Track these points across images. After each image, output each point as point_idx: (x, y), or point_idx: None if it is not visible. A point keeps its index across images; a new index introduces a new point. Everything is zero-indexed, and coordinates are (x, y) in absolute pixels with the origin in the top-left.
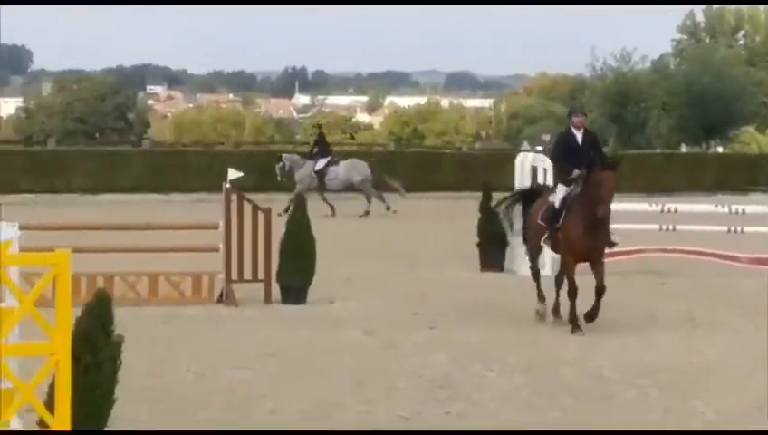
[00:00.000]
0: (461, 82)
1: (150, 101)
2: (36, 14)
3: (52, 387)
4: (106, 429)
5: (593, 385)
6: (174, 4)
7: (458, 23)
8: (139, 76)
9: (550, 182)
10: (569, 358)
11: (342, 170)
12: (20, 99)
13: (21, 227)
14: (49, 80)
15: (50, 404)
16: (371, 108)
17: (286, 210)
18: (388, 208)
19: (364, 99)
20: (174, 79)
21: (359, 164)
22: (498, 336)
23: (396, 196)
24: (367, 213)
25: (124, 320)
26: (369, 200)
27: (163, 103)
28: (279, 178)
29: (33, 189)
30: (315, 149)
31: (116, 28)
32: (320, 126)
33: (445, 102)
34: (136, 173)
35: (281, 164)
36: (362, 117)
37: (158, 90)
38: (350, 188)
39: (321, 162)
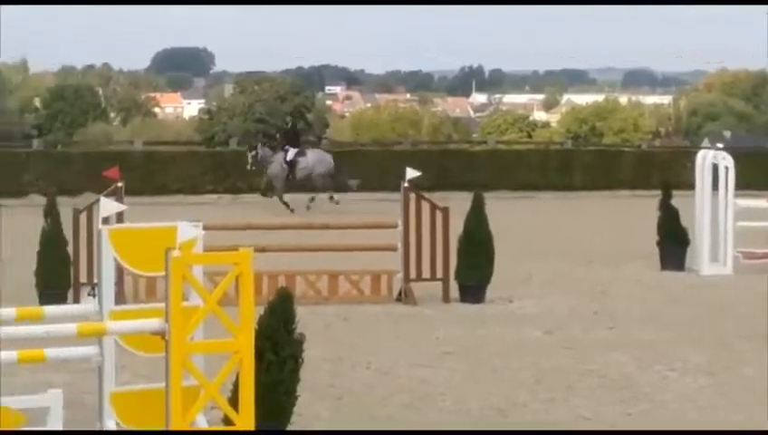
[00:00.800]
0: (639, 79)
1: (329, 102)
2: (217, 17)
3: (235, 384)
4: (288, 428)
5: None
6: (351, 4)
7: (635, 19)
8: (317, 77)
9: (731, 180)
10: (752, 358)
11: (310, 161)
12: (202, 100)
13: (204, 227)
14: (230, 81)
15: (234, 401)
16: (548, 106)
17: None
18: (312, 200)
19: (541, 97)
20: (352, 79)
21: (325, 156)
22: (680, 336)
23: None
24: (312, 199)
25: (305, 318)
26: (318, 192)
27: (341, 103)
28: (249, 168)
29: (215, 190)
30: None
31: (295, 30)
32: (292, 116)
33: (623, 99)
34: None
35: (254, 153)
36: (539, 115)
37: (337, 90)
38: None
39: (291, 153)
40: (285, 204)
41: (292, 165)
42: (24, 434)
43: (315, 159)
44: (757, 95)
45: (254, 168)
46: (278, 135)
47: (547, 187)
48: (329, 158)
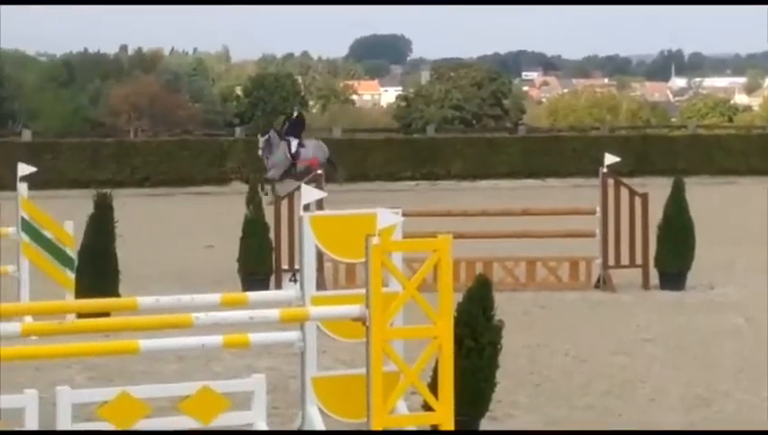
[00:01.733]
0: None
1: (525, 88)
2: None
3: (435, 370)
4: (487, 416)
5: None
6: None
7: None
8: (514, 63)
9: None
10: None
11: (310, 151)
12: (399, 88)
13: (403, 214)
14: (427, 68)
15: (433, 387)
16: (750, 89)
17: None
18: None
19: (742, 80)
20: (549, 64)
21: (323, 145)
22: None
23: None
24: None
25: (503, 304)
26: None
27: (538, 89)
28: (261, 154)
29: (413, 177)
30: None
31: (491, 16)
32: (299, 108)
33: None
34: (512, 159)
35: (266, 137)
36: (740, 98)
37: (534, 76)
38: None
39: (294, 144)
40: (275, 195)
41: (294, 157)
42: (20, 434)
43: (315, 149)
44: None
45: (263, 153)
46: (284, 123)
47: (748, 171)
48: (325, 146)
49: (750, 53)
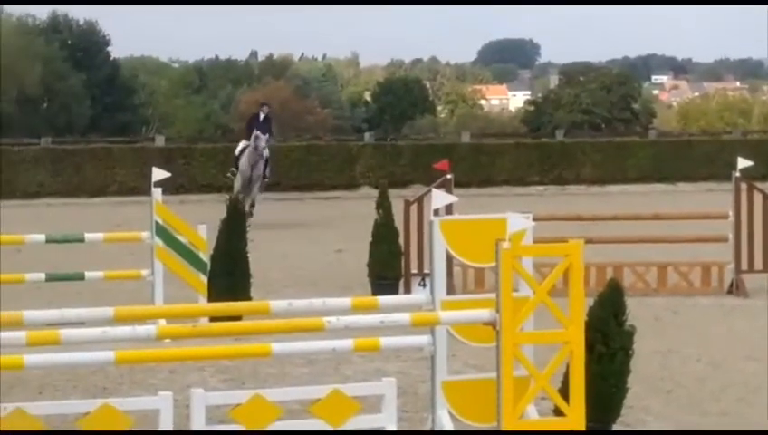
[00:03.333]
0: None
1: (655, 91)
2: (541, 7)
3: (565, 376)
4: (618, 421)
5: None
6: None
7: None
8: (644, 66)
9: None
10: None
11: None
12: (528, 92)
13: (533, 218)
14: (555, 72)
15: (564, 392)
16: None
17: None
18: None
19: None
20: (679, 68)
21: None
22: None
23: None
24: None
25: (634, 310)
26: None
27: (668, 93)
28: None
29: (542, 181)
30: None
31: (620, 18)
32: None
33: None
34: (642, 163)
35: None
36: None
37: (664, 79)
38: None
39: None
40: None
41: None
42: None
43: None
44: None
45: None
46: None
47: None
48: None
49: None
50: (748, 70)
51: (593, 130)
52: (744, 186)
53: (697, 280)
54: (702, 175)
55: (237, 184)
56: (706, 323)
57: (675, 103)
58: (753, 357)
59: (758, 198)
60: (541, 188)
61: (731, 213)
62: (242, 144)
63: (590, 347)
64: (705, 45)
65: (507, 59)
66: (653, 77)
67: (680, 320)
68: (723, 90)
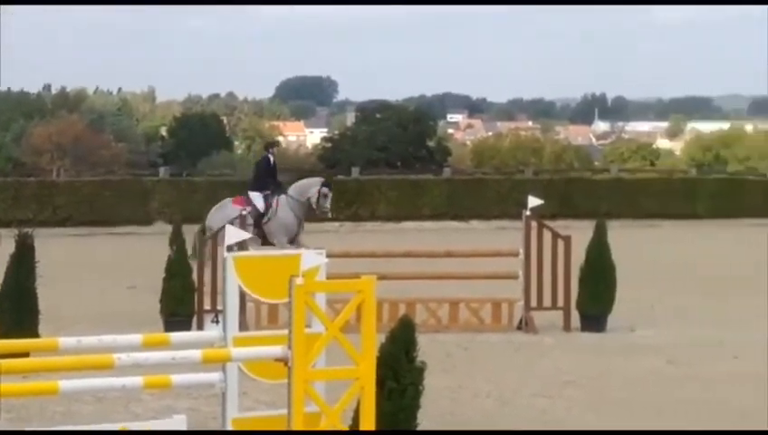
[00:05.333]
0: (766, 107)
1: (450, 130)
2: (340, 46)
3: (356, 411)
4: None
5: None
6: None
7: (761, 44)
8: (439, 105)
9: None
10: None
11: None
12: (325, 129)
13: (327, 255)
14: (353, 110)
15: (355, 428)
16: (672, 134)
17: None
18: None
19: (664, 125)
20: (474, 107)
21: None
22: None
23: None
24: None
25: (426, 346)
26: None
27: (463, 131)
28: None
29: (337, 218)
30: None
31: (417, 57)
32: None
33: (749, 127)
34: (436, 201)
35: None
36: (663, 143)
37: (459, 118)
38: None
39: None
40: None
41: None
42: (26, 434)
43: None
44: None
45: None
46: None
47: (671, 215)
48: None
49: (672, 97)
50: (540, 110)
51: (389, 168)
52: (534, 224)
53: (488, 316)
54: (494, 213)
55: (281, 234)
56: (496, 360)
57: (469, 142)
58: (540, 394)
59: (547, 236)
60: (336, 224)
61: (521, 251)
62: (259, 197)
63: (380, 383)
64: (500, 85)
65: (305, 96)
66: (448, 115)
67: (471, 356)
68: (516, 129)
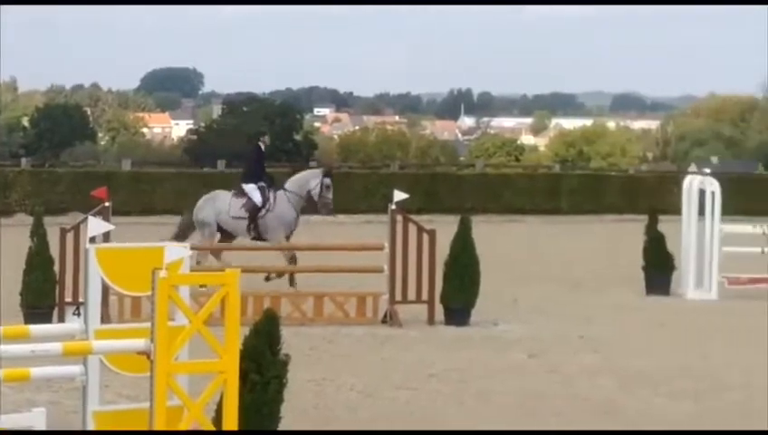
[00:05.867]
0: (627, 104)
1: (317, 124)
2: (207, 37)
3: (219, 405)
4: None
5: (760, 410)
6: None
7: (624, 43)
8: (306, 98)
9: (717, 206)
10: (735, 382)
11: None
12: (191, 121)
13: (191, 248)
14: (219, 102)
15: (217, 422)
16: (536, 130)
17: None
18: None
19: (529, 120)
20: (341, 101)
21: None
22: (665, 361)
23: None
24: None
25: (290, 339)
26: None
27: (330, 125)
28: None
29: None
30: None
31: (285, 51)
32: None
33: (611, 124)
34: None
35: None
36: (527, 139)
37: (326, 112)
38: None
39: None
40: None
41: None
42: (22, 434)
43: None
44: (745, 121)
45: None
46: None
47: (534, 210)
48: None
49: (537, 94)
50: (407, 104)
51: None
52: (399, 218)
53: (353, 310)
54: (360, 207)
55: (279, 230)
56: (361, 353)
57: (336, 136)
58: (404, 386)
59: (413, 230)
60: None
61: (386, 245)
62: (255, 190)
63: (244, 376)
64: (367, 80)
65: (170, 87)
66: (315, 109)
67: (335, 349)
68: (382, 123)
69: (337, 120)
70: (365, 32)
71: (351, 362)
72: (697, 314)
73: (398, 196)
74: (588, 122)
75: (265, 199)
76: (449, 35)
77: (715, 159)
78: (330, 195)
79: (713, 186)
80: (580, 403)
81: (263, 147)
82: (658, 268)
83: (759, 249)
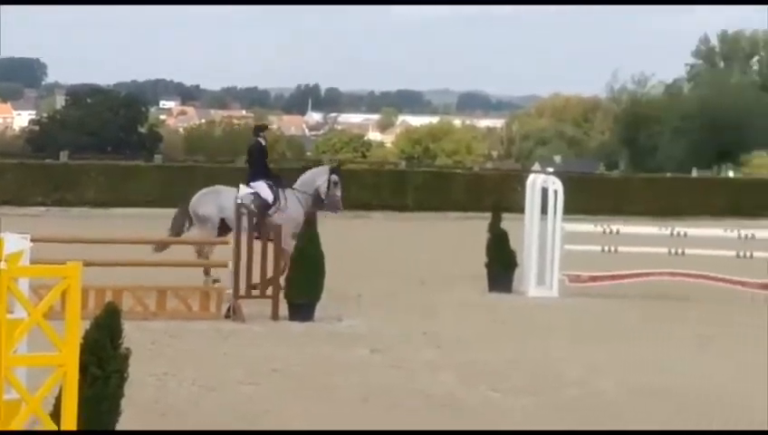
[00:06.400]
0: (473, 102)
1: (163, 116)
2: (51, 27)
3: (58, 399)
4: None
5: (598, 406)
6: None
7: (472, 42)
8: (152, 91)
9: (560, 204)
10: (574, 378)
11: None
12: (33, 112)
13: (31, 240)
14: (62, 93)
15: (56, 416)
16: (383, 126)
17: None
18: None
19: (376, 117)
20: (187, 94)
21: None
22: (505, 356)
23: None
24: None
25: (132, 334)
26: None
27: (176, 118)
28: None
29: (44, 202)
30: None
31: (131, 43)
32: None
33: (457, 122)
34: (147, 188)
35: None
36: (374, 135)
37: (171, 105)
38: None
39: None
40: None
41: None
42: (24, 434)
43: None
44: (588, 121)
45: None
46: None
47: (380, 207)
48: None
49: (384, 90)
50: (254, 99)
51: (99, 153)
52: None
53: (196, 305)
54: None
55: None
56: (204, 348)
57: (182, 129)
58: (246, 381)
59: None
60: (43, 208)
61: (232, 239)
62: (265, 187)
63: (84, 370)
64: (214, 73)
65: (12, 77)
66: (161, 102)
67: (178, 344)
68: (229, 117)
69: (183, 112)
70: (213, 24)
71: (194, 356)
72: (538, 311)
73: (245, 191)
74: (434, 120)
75: (276, 198)
76: (300, 32)
77: (558, 159)
78: (338, 192)
79: (555, 185)
80: (421, 398)
81: (263, 142)
82: (501, 266)
83: (600, 248)
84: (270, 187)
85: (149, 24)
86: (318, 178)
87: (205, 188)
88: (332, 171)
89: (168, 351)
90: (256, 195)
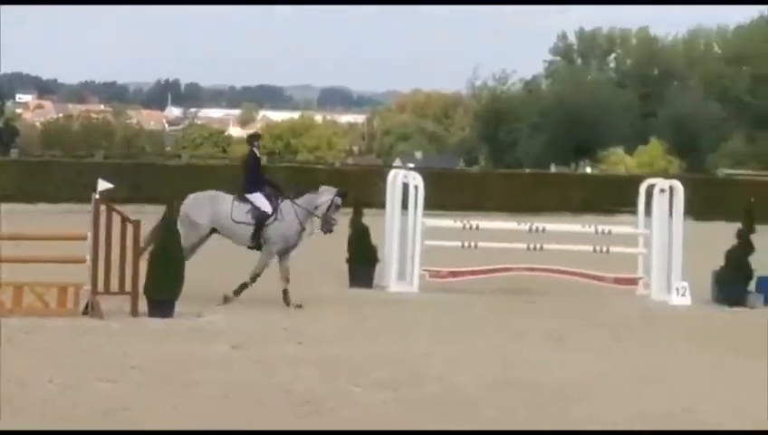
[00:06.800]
0: (335, 98)
1: (19, 110)
2: None
3: None
4: None
5: (458, 401)
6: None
7: (333, 38)
8: (8, 85)
9: (420, 200)
10: (434, 374)
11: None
12: None
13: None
14: None
15: None
16: (244, 121)
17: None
18: None
19: (237, 112)
20: (44, 88)
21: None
22: (366, 352)
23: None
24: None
25: None
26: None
27: (32, 112)
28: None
29: None
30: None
31: None
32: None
33: (318, 118)
34: (4, 182)
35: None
36: (235, 130)
37: (28, 99)
38: None
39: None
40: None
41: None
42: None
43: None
44: (448, 117)
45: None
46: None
47: None
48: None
49: (245, 85)
50: (113, 93)
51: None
52: (103, 208)
53: (53, 301)
54: (62, 196)
55: (279, 242)
56: (61, 345)
57: (39, 123)
58: (104, 378)
59: (117, 219)
60: None
61: (89, 235)
62: (263, 198)
63: None
64: (72, 67)
65: None
66: (17, 96)
67: (34, 341)
68: (87, 112)
69: (39, 106)
70: (72, 18)
71: (51, 353)
72: (398, 307)
73: (103, 185)
74: (295, 115)
75: (274, 208)
76: (159, 25)
77: (418, 154)
78: (336, 215)
79: (416, 180)
80: (282, 394)
81: (257, 151)
82: (362, 261)
83: (460, 243)
84: (267, 197)
85: (6, 16)
86: (322, 196)
87: (200, 192)
88: (339, 194)
89: (23, 348)
90: (254, 208)
